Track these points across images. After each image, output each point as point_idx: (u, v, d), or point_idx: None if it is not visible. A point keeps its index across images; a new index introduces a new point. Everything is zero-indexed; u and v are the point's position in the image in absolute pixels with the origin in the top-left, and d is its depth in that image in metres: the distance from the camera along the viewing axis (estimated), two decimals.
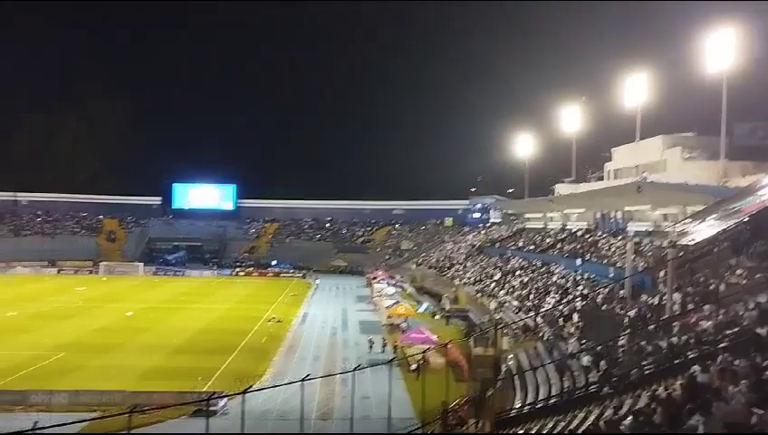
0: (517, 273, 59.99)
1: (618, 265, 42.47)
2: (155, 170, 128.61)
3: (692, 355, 19.75)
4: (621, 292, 35.24)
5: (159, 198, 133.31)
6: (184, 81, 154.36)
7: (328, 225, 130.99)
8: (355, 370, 22.95)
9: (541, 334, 37.22)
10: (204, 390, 32.07)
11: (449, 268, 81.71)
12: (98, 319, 56.11)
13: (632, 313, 30.47)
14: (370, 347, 43.99)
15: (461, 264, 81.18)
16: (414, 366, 36.37)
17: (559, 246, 61.48)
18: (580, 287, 43.37)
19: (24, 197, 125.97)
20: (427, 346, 38.34)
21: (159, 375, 36.11)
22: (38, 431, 12.16)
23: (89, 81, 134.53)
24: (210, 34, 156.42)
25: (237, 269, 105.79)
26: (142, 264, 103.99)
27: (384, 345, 44.63)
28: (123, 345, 44.80)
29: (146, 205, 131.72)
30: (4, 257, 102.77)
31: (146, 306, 64.72)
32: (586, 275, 46.12)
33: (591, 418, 19.28)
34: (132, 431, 13.78)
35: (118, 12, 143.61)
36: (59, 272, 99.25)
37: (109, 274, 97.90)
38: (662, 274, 30.79)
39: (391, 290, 71.58)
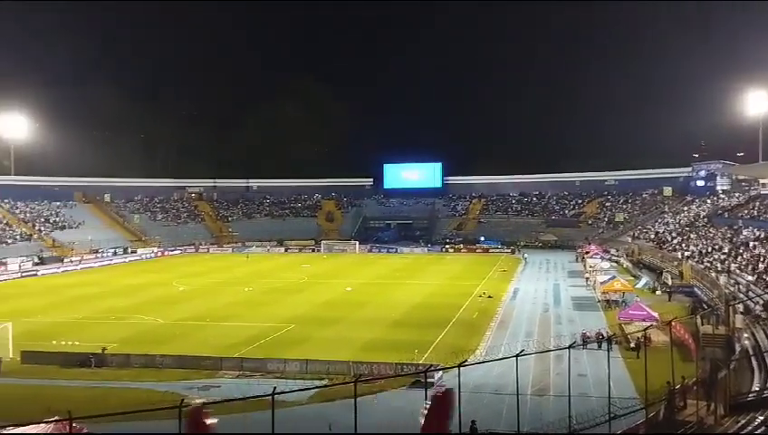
0: (751, 244, 54.28)
1: None
2: (367, 153, 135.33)
3: None
4: None
5: (371, 179, 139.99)
6: (390, 68, 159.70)
7: (536, 199, 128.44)
8: (570, 347, 22.30)
9: None
10: (420, 362, 33.28)
11: (670, 241, 76.11)
12: (322, 294, 60.62)
13: None
14: (584, 342, 36.18)
15: (684, 236, 75.23)
16: (633, 344, 34.61)
17: None
18: None
19: (254, 182, 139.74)
20: (648, 323, 36.29)
21: (379, 347, 38.10)
22: (278, 395, 13.48)
23: (308, 73, 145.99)
24: (412, 19, 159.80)
25: (447, 246, 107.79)
26: (358, 242, 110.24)
27: (605, 341, 36.09)
28: (345, 318, 47.92)
29: (359, 186, 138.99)
30: (240, 238, 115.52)
31: (363, 282, 68.60)
32: None
33: None
34: (357, 399, 14.78)
35: (327, 9, 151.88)
36: (286, 250, 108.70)
37: (329, 251, 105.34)
38: None
39: (606, 265, 68.50)
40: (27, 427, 19.45)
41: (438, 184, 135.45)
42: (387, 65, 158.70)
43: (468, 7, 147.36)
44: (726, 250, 57.28)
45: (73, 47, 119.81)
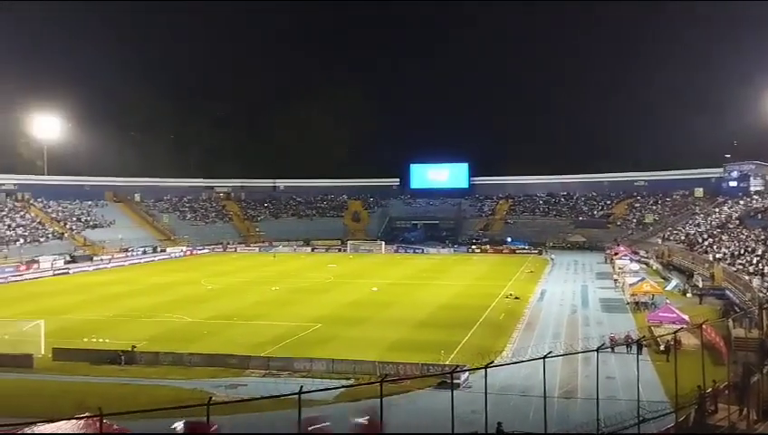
0: None
1: None
2: (393, 153, 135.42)
3: None
4: None
5: (398, 180, 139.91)
6: (418, 68, 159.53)
7: (563, 199, 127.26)
8: (599, 349, 22.02)
9: None
10: (447, 363, 33.17)
11: (701, 243, 74.86)
12: (348, 294, 60.77)
13: None
14: (612, 345, 34.97)
15: (715, 237, 73.94)
16: (663, 347, 34.07)
17: None
18: None
19: (281, 183, 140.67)
20: (679, 326, 35.72)
21: (405, 347, 38.03)
22: (305, 394, 13.54)
23: (335, 74, 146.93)
24: (439, 19, 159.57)
25: (473, 246, 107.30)
26: (384, 242, 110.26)
27: (634, 344, 34.29)
28: (371, 318, 47.95)
29: (386, 186, 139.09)
30: (267, 238, 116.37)
31: (390, 282, 68.59)
32: None
33: None
34: (383, 399, 14.77)
35: (354, 9, 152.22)
36: (312, 250, 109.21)
37: (355, 251, 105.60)
38: None
39: (635, 266, 67.67)
40: (59, 423, 19.75)
41: (465, 184, 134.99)
42: (414, 65, 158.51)
43: (493, 7, 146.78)
44: (759, 252, 56.18)
45: (105, 48, 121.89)
